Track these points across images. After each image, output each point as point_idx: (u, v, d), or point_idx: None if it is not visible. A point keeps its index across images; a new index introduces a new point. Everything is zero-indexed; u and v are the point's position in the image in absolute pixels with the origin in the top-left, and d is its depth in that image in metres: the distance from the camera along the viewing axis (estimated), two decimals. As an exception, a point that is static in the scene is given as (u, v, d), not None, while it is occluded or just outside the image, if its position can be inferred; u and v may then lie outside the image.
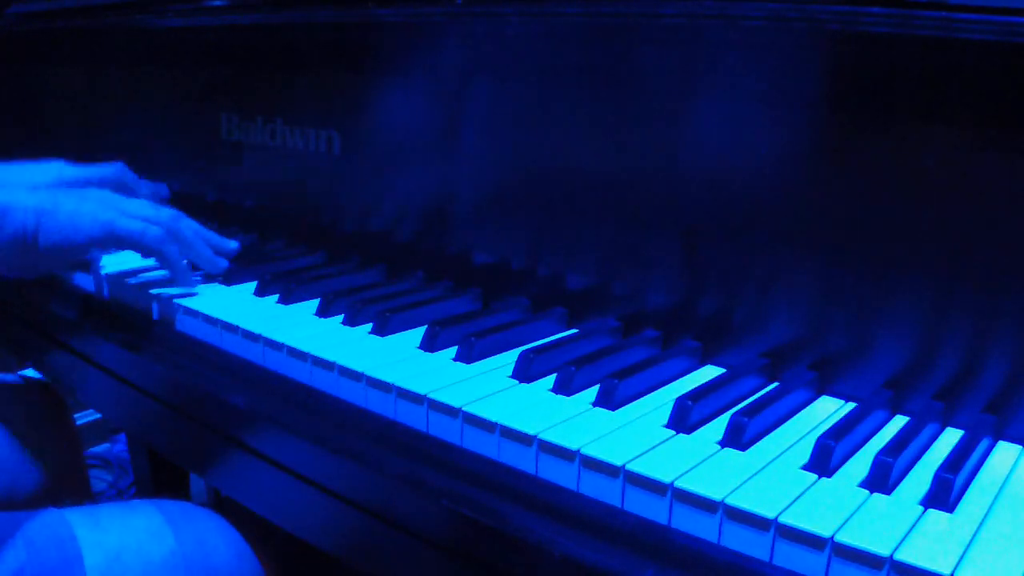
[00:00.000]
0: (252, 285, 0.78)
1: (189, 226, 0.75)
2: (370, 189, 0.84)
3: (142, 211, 0.71)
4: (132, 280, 0.79)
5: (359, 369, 0.58)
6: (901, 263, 0.54)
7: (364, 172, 0.84)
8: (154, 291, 0.76)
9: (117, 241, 0.69)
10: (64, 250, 0.68)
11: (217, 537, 0.65)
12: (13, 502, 0.82)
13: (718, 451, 0.49)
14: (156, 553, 0.61)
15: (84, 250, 0.69)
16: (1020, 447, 0.52)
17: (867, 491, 0.45)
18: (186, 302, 0.73)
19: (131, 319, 0.77)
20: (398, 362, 0.60)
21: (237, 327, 0.67)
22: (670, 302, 0.65)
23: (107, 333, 0.74)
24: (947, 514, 0.43)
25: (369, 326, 0.68)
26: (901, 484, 0.47)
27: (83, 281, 0.85)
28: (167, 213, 0.73)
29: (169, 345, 0.71)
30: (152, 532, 0.63)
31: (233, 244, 0.79)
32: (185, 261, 0.74)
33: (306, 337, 0.64)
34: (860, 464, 0.49)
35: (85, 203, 0.68)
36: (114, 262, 0.85)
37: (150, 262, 0.81)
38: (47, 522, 0.64)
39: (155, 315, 0.76)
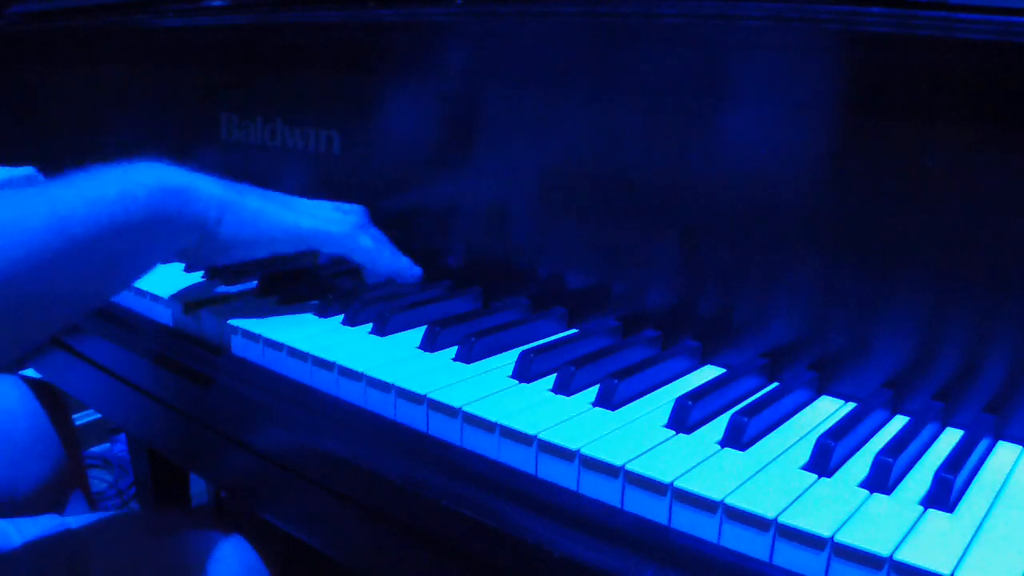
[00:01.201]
0: (251, 286, 0.78)
1: (377, 231, 0.73)
2: (370, 189, 0.84)
3: (323, 212, 0.70)
4: None
5: (359, 369, 0.58)
6: (901, 263, 0.54)
7: (364, 172, 0.84)
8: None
9: (301, 240, 0.67)
10: (246, 246, 0.65)
11: (226, 549, 0.65)
12: (14, 501, 0.82)
13: (718, 451, 0.49)
14: (162, 565, 0.61)
15: (265, 249, 0.67)
16: (1020, 447, 0.52)
17: (867, 491, 0.45)
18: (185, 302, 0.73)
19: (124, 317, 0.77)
20: (398, 362, 0.60)
21: (237, 328, 0.67)
22: (670, 302, 0.65)
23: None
24: (947, 514, 0.43)
25: (369, 326, 0.68)
26: (901, 484, 0.47)
27: None
28: (354, 211, 0.71)
29: (161, 341, 0.71)
30: (160, 544, 0.62)
31: (417, 270, 0.75)
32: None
33: (306, 337, 0.64)
34: (860, 464, 0.49)
35: (269, 203, 0.66)
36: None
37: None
38: (51, 531, 0.64)
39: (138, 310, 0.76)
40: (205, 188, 0.61)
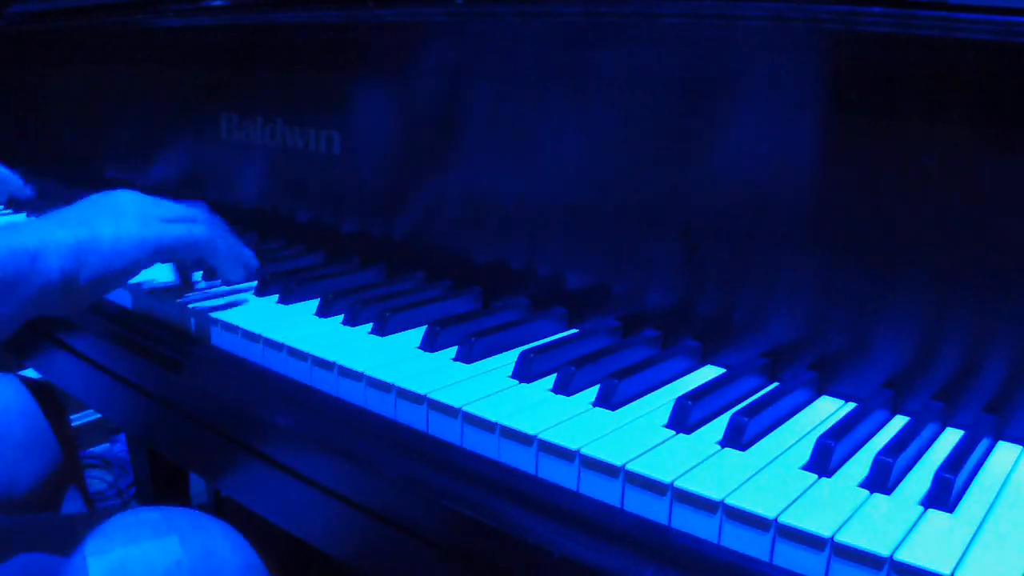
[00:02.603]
0: (252, 285, 0.78)
1: (221, 221, 0.71)
2: (370, 189, 0.84)
3: (177, 212, 0.67)
4: None
5: (359, 369, 0.58)
6: (901, 263, 0.54)
7: (364, 172, 0.84)
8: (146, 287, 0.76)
9: (166, 253, 0.64)
10: (111, 281, 0.62)
11: (225, 546, 0.65)
12: (11, 500, 0.82)
13: (718, 451, 0.49)
14: (161, 562, 0.61)
15: (131, 275, 0.64)
16: (1020, 447, 0.52)
17: (867, 491, 0.45)
18: (182, 302, 0.73)
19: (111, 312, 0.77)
20: (398, 362, 0.60)
21: (237, 327, 0.67)
22: (670, 302, 0.65)
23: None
24: (947, 514, 0.43)
25: (369, 326, 0.68)
26: (901, 484, 0.47)
27: None
28: (200, 211, 0.69)
29: (161, 340, 0.71)
30: (158, 541, 0.62)
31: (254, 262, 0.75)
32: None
33: (306, 337, 0.64)
34: (860, 464, 0.49)
35: (123, 222, 0.63)
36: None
37: None
38: (51, 529, 0.63)
39: (131, 306, 0.76)
40: (54, 241, 0.58)
